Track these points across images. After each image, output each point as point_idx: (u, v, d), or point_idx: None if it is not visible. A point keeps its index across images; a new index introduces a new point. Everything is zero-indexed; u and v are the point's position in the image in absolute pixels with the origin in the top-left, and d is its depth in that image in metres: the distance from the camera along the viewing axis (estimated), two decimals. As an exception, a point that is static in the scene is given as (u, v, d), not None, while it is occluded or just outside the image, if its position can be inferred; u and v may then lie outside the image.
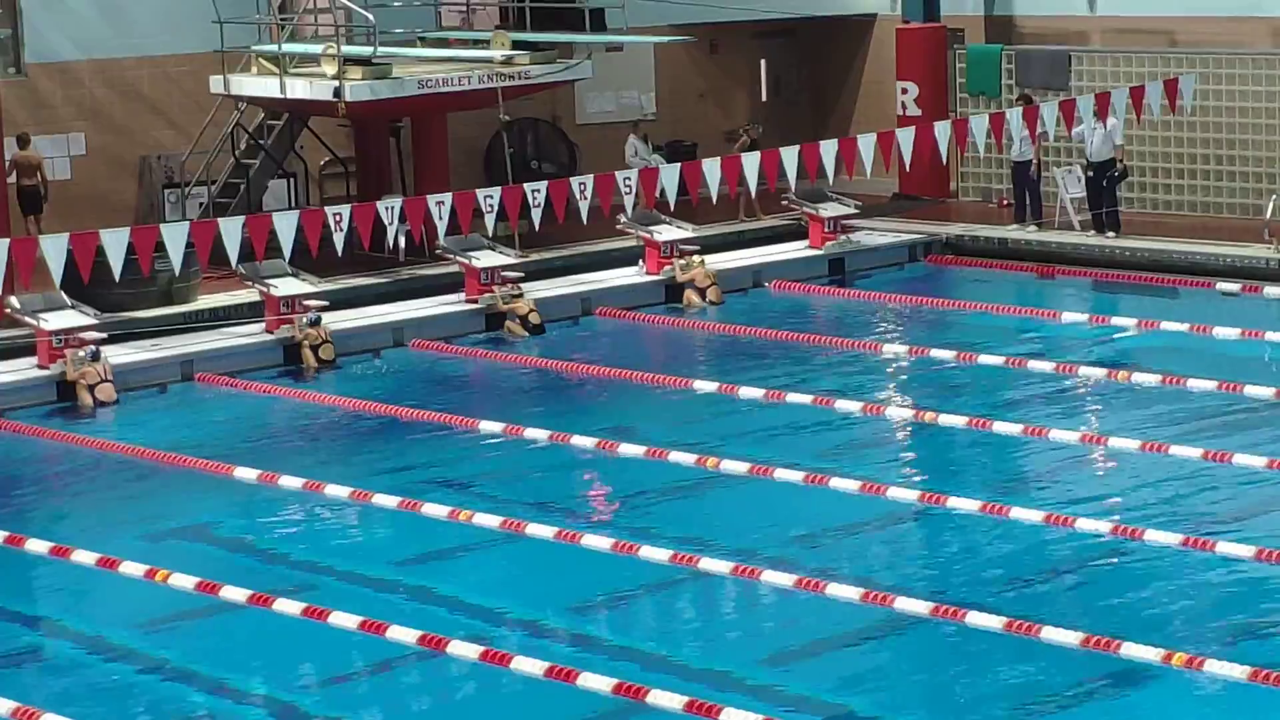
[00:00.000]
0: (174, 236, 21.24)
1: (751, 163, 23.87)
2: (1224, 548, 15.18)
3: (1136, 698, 13.11)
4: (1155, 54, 28.05)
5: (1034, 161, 27.32)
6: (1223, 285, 24.51)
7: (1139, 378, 20.44)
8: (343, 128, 27.75)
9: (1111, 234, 26.31)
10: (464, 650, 13.86)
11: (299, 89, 25.93)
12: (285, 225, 21.84)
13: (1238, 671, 12.86)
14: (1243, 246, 25.35)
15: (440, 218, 22.74)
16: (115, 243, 20.77)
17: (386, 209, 22.51)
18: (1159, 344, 22.11)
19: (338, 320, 23.41)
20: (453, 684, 13.93)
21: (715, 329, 23.63)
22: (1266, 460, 17.27)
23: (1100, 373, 20.80)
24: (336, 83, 25.33)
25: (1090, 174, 26.63)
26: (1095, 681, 13.35)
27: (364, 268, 25.17)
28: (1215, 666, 12.95)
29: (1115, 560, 15.51)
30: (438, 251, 24.53)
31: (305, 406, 21.07)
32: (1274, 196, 25.76)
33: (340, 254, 22.53)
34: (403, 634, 14.14)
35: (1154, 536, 15.53)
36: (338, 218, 22.16)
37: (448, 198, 22.90)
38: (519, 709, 13.36)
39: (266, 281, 23.06)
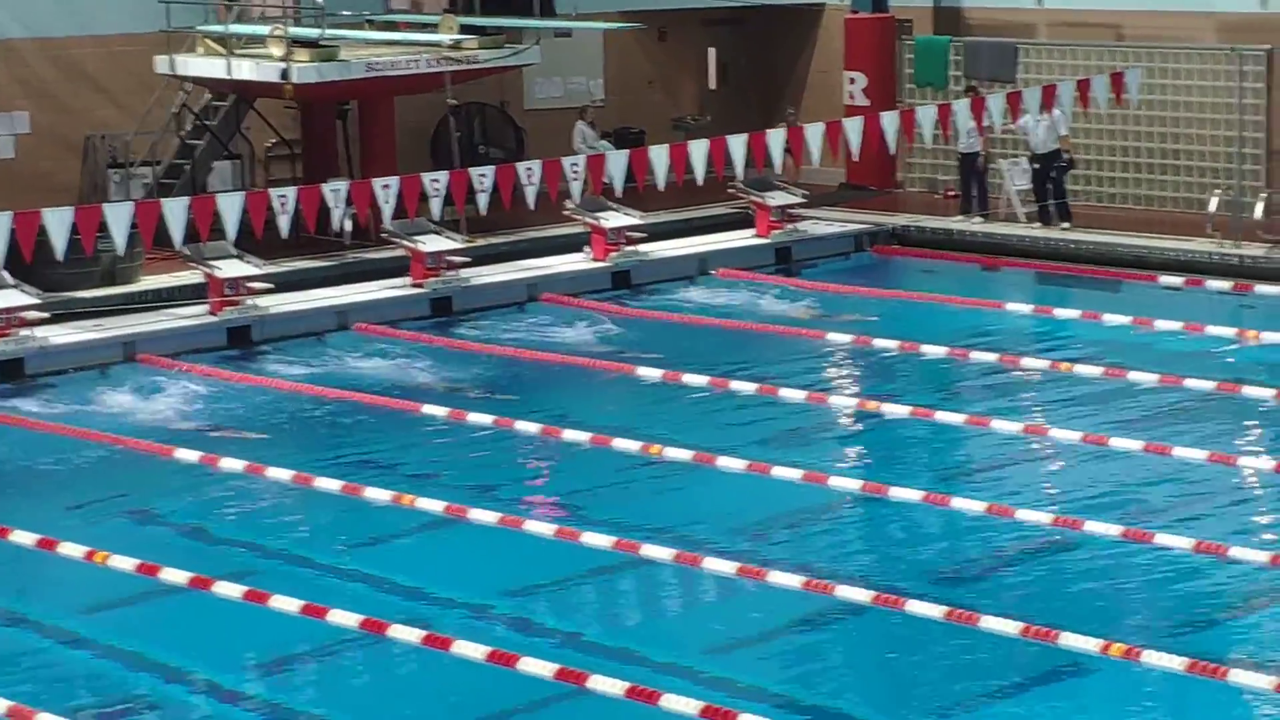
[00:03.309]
0: (118, 217, 21.13)
1: (699, 150, 23.88)
2: (1163, 539, 15.27)
3: (1074, 687, 13.18)
4: (1102, 47, 28.17)
5: (981, 153, 27.41)
6: (1166, 279, 24.65)
7: (1081, 370, 20.53)
8: (289, 110, 27.64)
9: (1065, 225, 26.43)
10: (405, 634, 13.83)
11: (245, 70, 25.82)
12: (230, 207, 21.75)
13: (1175, 662, 12.93)
14: (1186, 240, 25.50)
15: (386, 201, 22.66)
16: (58, 222, 20.64)
17: (332, 192, 22.43)
18: (1101, 336, 22.21)
19: (281, 303, 23.34)
20: (394, 667, 13.91)
21: (661, 316, 23.63)
22: (1206, 453, 17.36)
23: (1043, 364, 20.89)
24: (283, 64, 25.24)
25: (1036, 166, 26.74)
26: (1034, 671, 13.42)
27: (309, 250, 25.09)
28: (1153, 657, 13.01)
29: (1055, 551, 15.59)
30: (383, 235, 24.47)
31: (248, 389, 20.99)
32: (1218, 191, 25.92)
33: (285, 236, 22.43)
34: (344, 618, 14.09)
35: (1094, 527, 15.59)
36: (283, 200, 22.07)
37: (394, 181, 22.83)
38: (460, 693, 13.35)
39: (210, 263, 22.97)
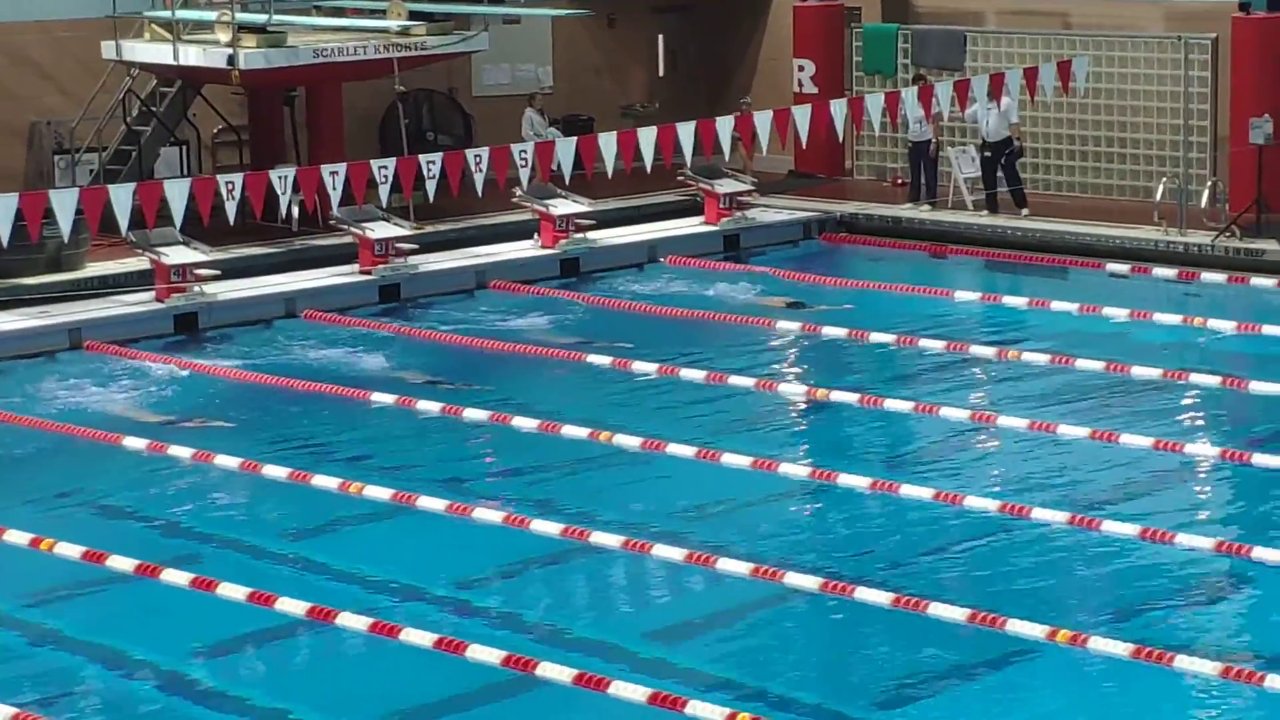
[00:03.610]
0: (63, 203, 21.01)
1: (648, 137, 23.88)
2: (1109, 526, 15.34)
3: (1021, 674, 13.24)
4: (1049, 35, 28.26)
5: (932, 141, 27.47)
6: (1112, 266, 24.76)
7: (1028, 357, 20.60)
8: (236, 96, 27.52)
9: (1025, 211, 26.52)
10: (353, 622, 13.81)
11: (192, 56, 25.68)
12: (176, 193, 21.66)
13: (1120, 649, 13.00)
14: (1133, 228, 25.60)
15: (334, 188, 22.62)
16: (3, 208, 20.50)
17: (279, 178, 22.36)
18: (1048, 324, 22.28)
19: (228, 290, 23.25)
20: (341, 655, 13.88)
21: (610, 303, 23.62)
22: (1152, 440, 17.46)
23: (990, 352, 20.96)
24: (230, 50, 25.11)
25: (987, 154, 26.80)
26: (981, 657, 13.47)
27: (256, 237, 24.99)
28: (1099, 643, 13.09)
29: (1002, 538, 15.65)
30: (331, 222, 24.39)
31: (196, 376, 20.89)
32: (1164, 179, 26.03)
33: (232, 223, 22.37)
34: (291, 605, 14.07)
35: (1041, 515, 15.67)
36: (230, 186, 22.00)
37: (342, 168, 22.77)
38: (408, 680, 13.33)
39: (157, 250, 22.85)
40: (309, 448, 18.29)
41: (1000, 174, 26.77)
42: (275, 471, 17.18)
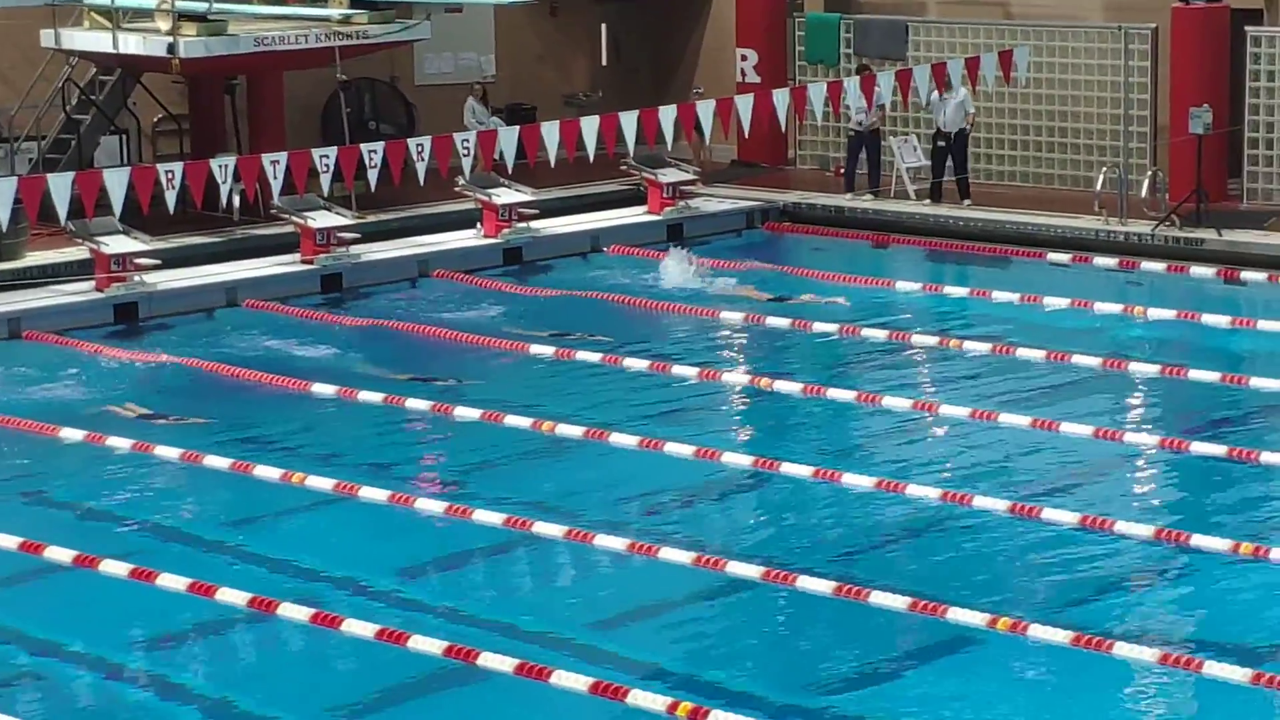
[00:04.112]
0: (2, 192, 20.85)
1: (591, 127, 23.88)
2: (1050, 514, 15.41)
3: (962, 661, 13.28)
4: (990, 25, 28.33)
5: (874, 130, 27.53)
6: (1053, 256, 24.86)
7: (970, 346, 20.68)
8: (176, 84, 27.36)
9: (968, 202, 26.59)
10: (294, 612, 13.77)
11: (132, 44, 25.53)
12: (116, 182, 21.54)
13: (1060, 636, 13.07)
14: (1073, 218, 25.71)
15: (275, 177, 22.54)
16: (-59, 197, 20.37)
17: (220, 167, 22.28)
18: (990, 313, 22.36)
19: (169, 280, 23.13)
20: (282, 646, 13.85)
21: (552, 293, 23.60)
22: (1092, 429, 17.54)
23: (932, 341, 21.02)
24: (170, 39, 24.97)
25: (941, 144, 26.85)
26: (923, 645, 13.52)
27: (197, 226, 24.88)
28: (1039, 631, 13.15)
29: (944, 526, 15.70)
30: (272, 211, 24.30)
31: (136, 366, 20.78)
32: (1104, 168, 26.15)
33: (172, 212, 22.26)
34: (232, 596, 14.02)
35: (982, 503, 15.73)
36: (170, 175, 21.90)
37: (283, 157, 22.68)
38: (349, 671, 13.30)
39: (96, 239, 22.72)
40: (250, 438, 18.21)
41: (950, 163, 26.83)
42: (216, 462, 17.11)
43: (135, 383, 20.22)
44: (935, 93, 26.10)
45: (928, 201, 26.81)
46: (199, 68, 25.66)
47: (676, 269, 23.98)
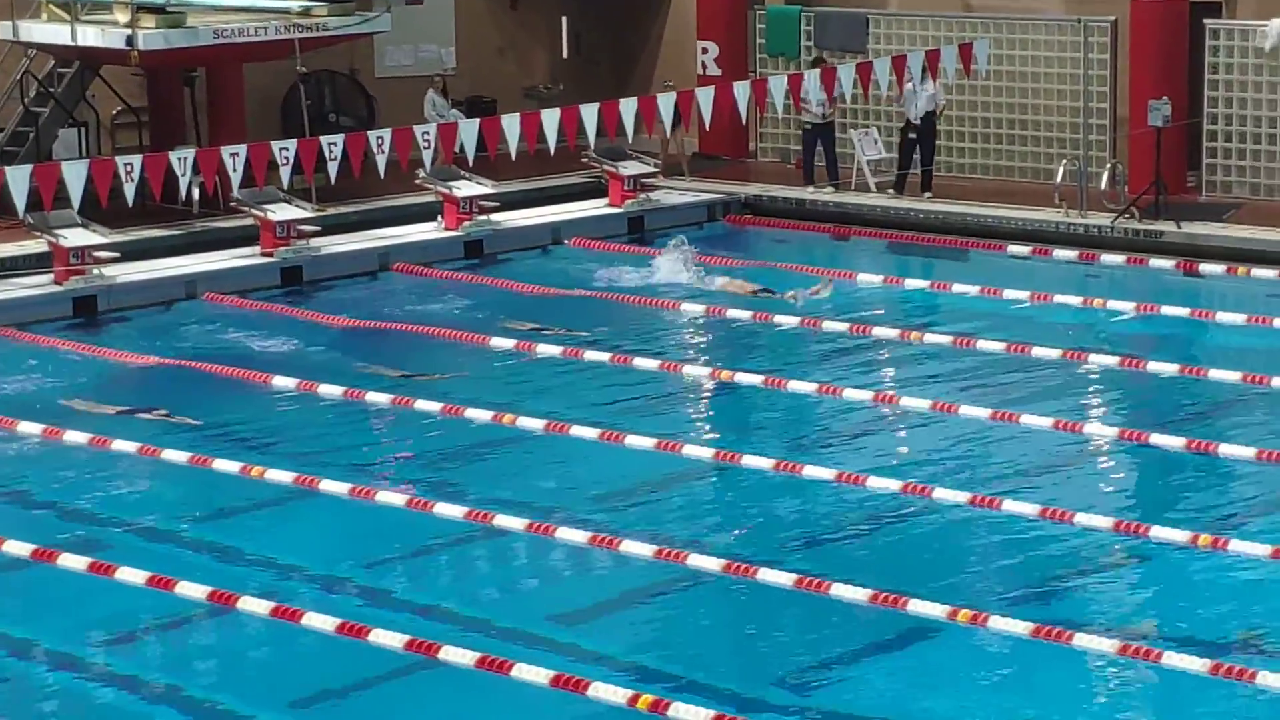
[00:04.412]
0: (-41, 185, 20.79)
1: (551, 119, 23.85)
2: (1010, 506, 15.45)
3: (922, 653, 13.31)
4: (950, 18, 28.38)
5: (831, 121, 27.57)
6: (1013, 248, 24.92)
7: (930, 338, 20.72)
8: (135, 77, 27.26)
9: (928, 194, 26.65)
10: (254, 606, 13.74)
11: (90, 36, 25.42)
12: (74, 175, 21.47)
13: (1020, 628, 13.10)
14: (1034, 210, 25.77)
15: (235, 169, 22.49)
16: (-102, 190, 20.28)
17: (179, 160, 22.21)
18: (951, 305, 22.40)
19: (128, 273, 23.05)
20: (243, 640, 13.81)
21: (513, 286, 23.56)
22: (1052, 420, 17.59)
23: (893, 333, 21.05)
24: (129, 31, 24.88)
25: (911, 136, 26.88)
26: (883, 637, 13.54)
27: (156, 219, 24.79)
28: (999, 623, 13.18)
29: (904, 518, 15.73)
30: (232, 204, 24.23)
31: (94, 359, 20.71)
32: (1064, 161, 26.22)
33: (131, 205, 22.17)
34: (192, 589, 13.97)
35: (942, 495, 15.76)
36: (129, 168, 21.82)
37: (242, 149, 22.62)
38: (310, 665, 13.27)
39: (55, 232, 22.62)
40: (209, 432, 18.14)
41: (917, 155, 26.88)
42: (175, 455, 17.05)
43: (93, 376, 20.14)
44: (910, 84, 26.15)
45: (890, 193, 26.84)
46: (158, 60, 25.56)
47: (670, 264, 23.78)
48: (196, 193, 24.71)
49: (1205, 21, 26.37)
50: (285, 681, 13.11)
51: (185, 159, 22.25)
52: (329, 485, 16.19)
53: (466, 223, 25.40)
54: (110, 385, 19.85)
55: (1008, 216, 25.73)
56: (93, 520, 16.04)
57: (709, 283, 23.15)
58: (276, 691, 12.94)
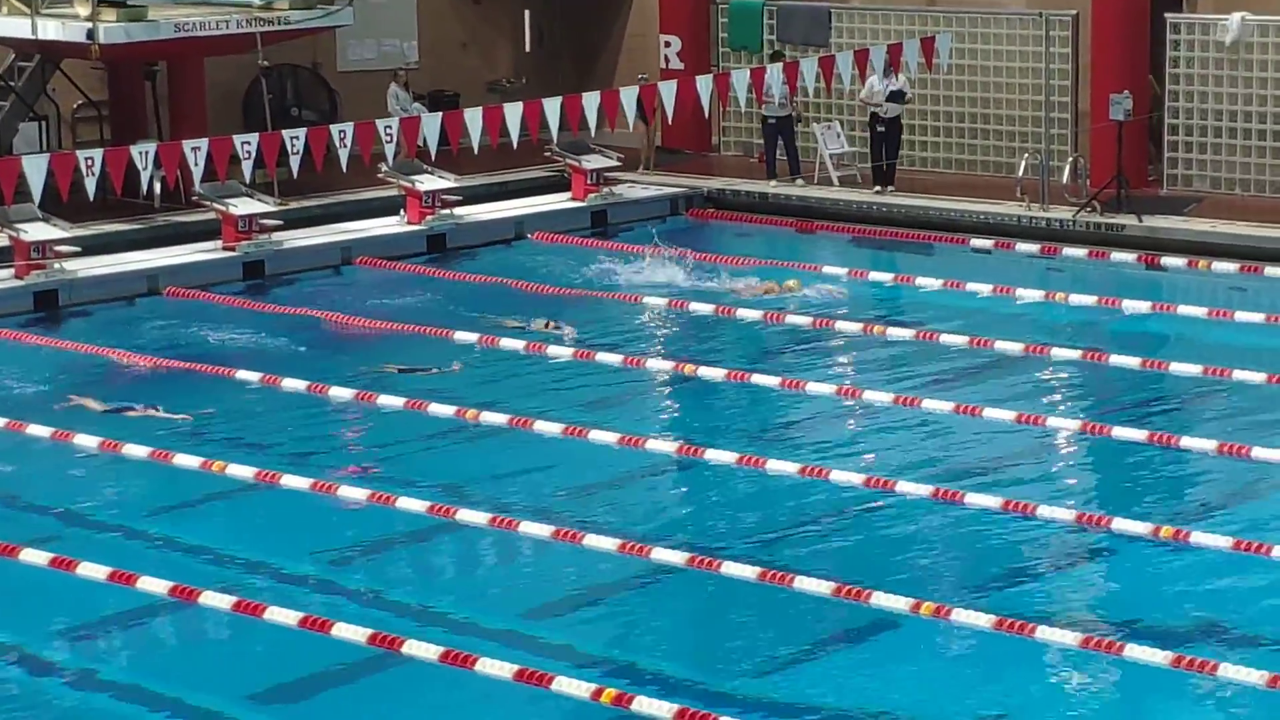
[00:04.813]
0: (-81, 179, 20.69)
1: (514, 113, 23.83)
2: (972, 499, 15.47)
3: (886, 646, 13.33)
4: (913, 12, 28.42)
5: (793, 116, 27.60)
6: (976, 242, 24.96)
7: (894, 332, 20.74)
8: (96, 70, 27.15)
9: (890, 188, 26.68)
10: (216, 600, 13.69)
11: (51, 30, 25.29)
12: (35, 169, 21.38)
13: (983, 620, 13.13)
14: (996, 204, 25.82)
15: (196, 164, 22.42)
16: None
17: (141, 154, 22.12)
18: (914, 299, 22.43)
19: (89, 267, 22.96)
20: (205, 634, 13.77)
21: (477, 280, 23.53)
22: (1015, 414, 17.62)
23: (856, 327, 21.07)
24: (90, 24, 24.76)
25: (880, 129, 26.91)
26: (846, 630, 13.56)
27: (117, 213, 24.70)
28: (962, 615, 13.20)
29: (867, 511, 15.75)
30: (194, 198, 24.15)
31: (56, 354, 20.62)
32: (1026, 155, 26.27)
33: (92, 199, 22.09)
34: (154, 584, 13.92)
35: (905, 488, 15.78)
36: (90, 162, 21.74)
37: (204, 143, 22.55)
38: (272, 660, 13.23)
39: (16, 226, 22.51)
40: (171, 426, 18.08)
41: (884, 148, 26.94)
42: (136, 450, 16.99)
43: (54, 371, 20.04)
44: (873, 77, 26.19)
45: (878, 189, 26.78)
46: (119, 54, 25.47)
47: (664, 269, 23.58)
48: (158, 187, 24.65)
49: (1166, 16, 26.44)
50: (248, 676, 13.07)
51: (146, 153, 22.17)
52: (290, 480, 16.14)
53: (429, 217, 25.36)
54: (70, 379, 19.74)
55: (970, 210, 25.78)
56: (54, 515, 15.97)
57: (729, 285, 22.91)
58: (239, 686, 12.90)
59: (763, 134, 28.04)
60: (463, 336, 20.67)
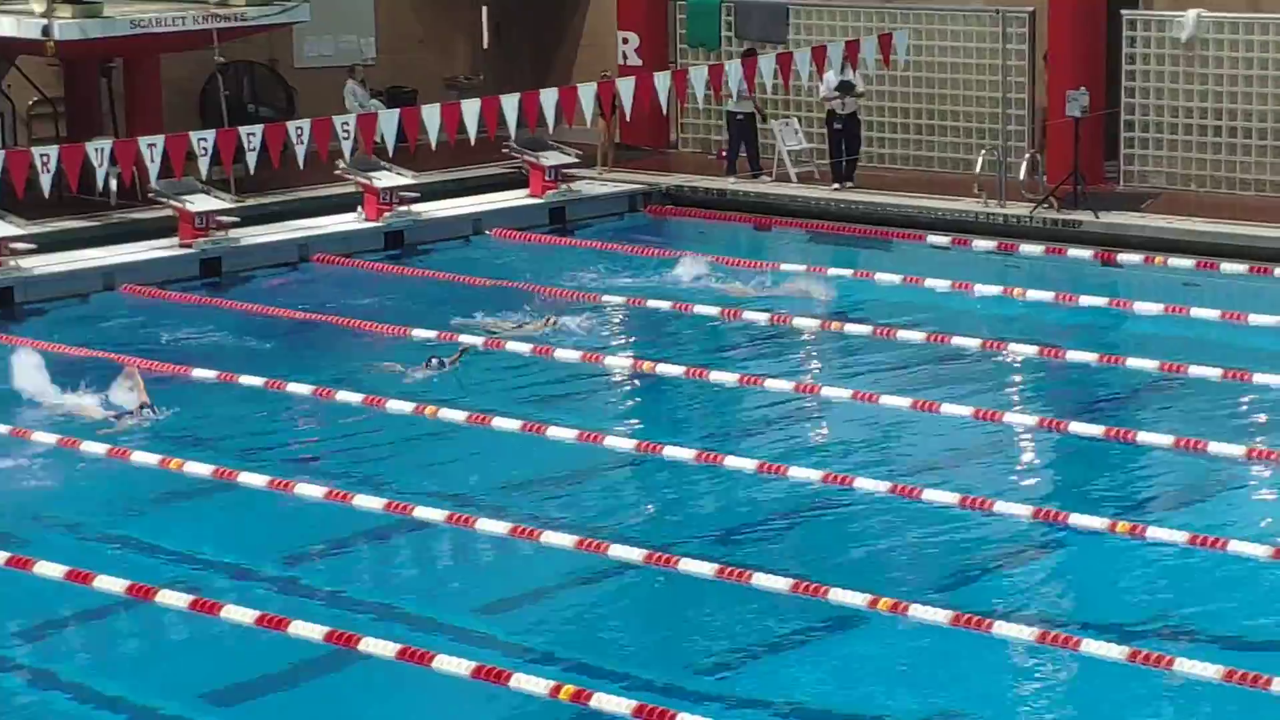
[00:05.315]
0: (-128, 176, 20.57)
1: (472, 110, 23.80)
2: (930, 495, 15.49)
3: (843, 642, 13.35)
4: (870, 9, 28.45)
5: (755, 113, 27.62)
6: (933, 238, 25.02)
7: (851, 328, 20.77)
8: (52, 67, 27.03)
9: (849, 184, 26.73)
10: (173, 599, 13.64)
11: (6, 27, 25.18)
12: (-10, 166, 21.27)
13: (940, 615, 13.15)
14: (953, 200, 25.89)
15: (152, 160, 22.33)
16: None
17: (96, 150, 22.04)
18: (872, 295, 22.46)
19: (45, 264, 22.86)
20: (163, 633, 13.73)
21: (435, 276, 23.50)
22: (972, 410, 17.66)
23: (814, 323, 21.09)
24: (45, 21, 24.66)
25: (837, 126, 26.95)
26: (804, 626, 13.57)
27: (73, 211, 24.60)
28: (919, 611, 13.22)
29: (825, 507, 15.77)
30: (150, 195, 24.06)
31: (13, 351, 20.49)
32: (983, 151, 26.34)
33: (48, 196, 21.99)
34: (111, 583, 13.86)
35: (863, 484, 15.80)
36: (45, 159, 21.64)
37: (160, 140, 22.48)
38: (229, 658, 13.19)
39: (-29, 224, 22.45)
40: (129, 424, 18.00)
41: (844, 145, 26.97)
42: (93, 448, 16.92)
43: (10, 368, 19.90)
44: (829, 73, 26.22)
45: (835, 186, 26.82)
46: (75, 50, 25.36)
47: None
48: (114, 184, 24.56)
49: (1123, 12, 26.54)
50: (205, 675, 13.03)
51: (102, 150, 22.09)
52: (248, 477, 16.09)
53: (387, 213, 25.32)
54: (26, 378, 19.60)
55: (927, 206, 25.84)
56: (10, 514, 15.89)
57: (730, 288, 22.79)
58: (196, 684, 12.86)
59: (729, 131, 28.02)
60: (420, 333, 20.57)
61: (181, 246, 23.86)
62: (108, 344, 20.59)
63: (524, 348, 20.04)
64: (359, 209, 25.46)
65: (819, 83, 26.72)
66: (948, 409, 17.67)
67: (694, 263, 23.46)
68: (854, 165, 26.97)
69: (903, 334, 20.30)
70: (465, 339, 19.97)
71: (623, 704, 11.93)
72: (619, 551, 14.50)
